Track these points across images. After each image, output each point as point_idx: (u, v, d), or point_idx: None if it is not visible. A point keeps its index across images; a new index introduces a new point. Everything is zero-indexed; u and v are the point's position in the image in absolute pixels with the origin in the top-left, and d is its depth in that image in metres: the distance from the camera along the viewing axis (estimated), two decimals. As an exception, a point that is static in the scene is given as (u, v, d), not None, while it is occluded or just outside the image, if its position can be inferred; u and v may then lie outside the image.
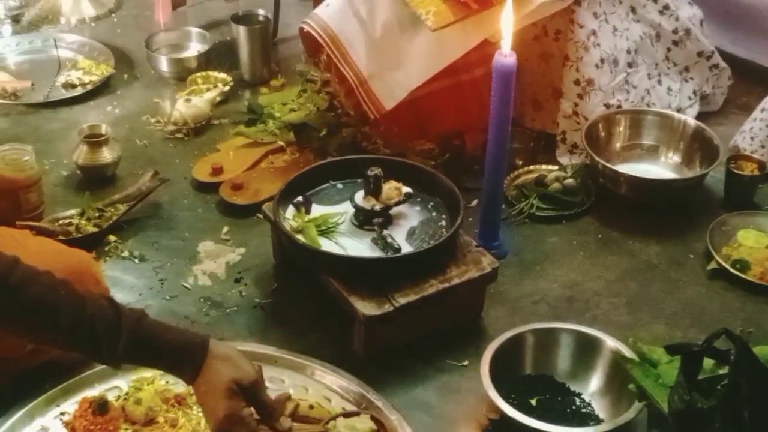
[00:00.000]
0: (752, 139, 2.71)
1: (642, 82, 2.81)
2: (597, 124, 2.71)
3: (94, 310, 1.60)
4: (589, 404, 2.02)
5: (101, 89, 3.10)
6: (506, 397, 1.94)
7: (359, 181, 2.26)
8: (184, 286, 2.35)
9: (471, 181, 2.62)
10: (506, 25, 2.23)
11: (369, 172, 2.21)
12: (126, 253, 2.44)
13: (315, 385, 2.01)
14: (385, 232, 2.19)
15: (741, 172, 2.61)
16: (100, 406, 1.89)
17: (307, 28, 2.63)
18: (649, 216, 2.58)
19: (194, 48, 3.31)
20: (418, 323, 2.13)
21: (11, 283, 1.57)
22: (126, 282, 2.35)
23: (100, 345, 1.59)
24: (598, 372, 2.05)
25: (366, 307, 2.04)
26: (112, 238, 2.47)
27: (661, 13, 2.82)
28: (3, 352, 1.89)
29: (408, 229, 2.24)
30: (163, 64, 3.18)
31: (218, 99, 3.02)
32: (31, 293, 1.58)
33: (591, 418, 1.99)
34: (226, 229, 2.53)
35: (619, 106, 2.76)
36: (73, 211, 2.51)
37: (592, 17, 2.67)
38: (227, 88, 3.07)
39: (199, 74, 3.12)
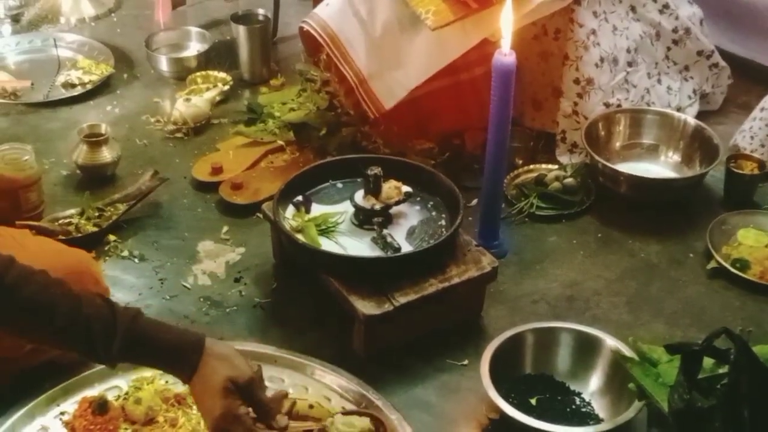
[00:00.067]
0: (752, 138, 2.71)
1: (642, 81, 2.81)
2: (597, 123, 2.71)
3: (90, 309, 1.60)
4: (588, 403, 2.02)
5: (101, 89, 3.10)
6: (506, 397, 1.94)
7: (359, 180, 2.26)
8: (184, 286, 2.35)
9: (471, 180, 2.62)
10: (506, 24, 2.23)
11: (369, 172, 2.21)
12: (126, 253, 2.44)
13: (315, 384, 2.01)
14: (384, 231, 2.19)
15: (741, 171, 2.61)
16: (100, 406, 1.89)
17: (306, 27, 2.63)
18: (649, 215, 2.58)
19: (194, 47, 3.31)
20: (418, 323, 2.13)
21: (6, 283, 1.57)
22: (126, 282, 2.35)
23: (95, 344, 1.59)
24: (597, 371, 2.05)
25: (366, 307, 2.04)
26: (111, 237, 2.47)
27: (660, 12, 2.82)
28: (3, 352, 1.89)
29: (408, 229, 2.24)
30: (163, 64, 3.18)
31: (218, 98, 3.02)
32: (26, 293, 1.58)
33: (591, 418, 1.99)
34: (225, 228, 2.53)
35: (619, 105, 2.76)
36: (72, 211, 2.51)
37: (591, 16, 2.67)
38: (227, 87, 3.07)
39: (198, 74, 3.12)
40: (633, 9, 2.78)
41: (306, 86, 2.92)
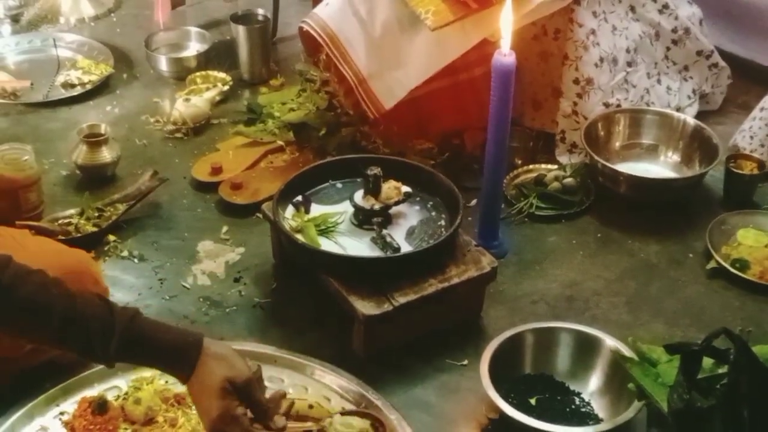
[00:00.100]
0: (752, 138, 2.71)
1: (641, 81, 2.81)
2: (596, 123, 2.71)
3: (87, 308, 1.60)
4: (588, 403, 2.02)
5: (100, 89, 3.10)
6: (506, 397, 1.94)
7: (359, 180, 2.26)
8: (184, 286, 2.35)
9: (470, 180, 2.62)
10: (505, 24, 2.23)
11: (368, 172, 2.21)
12: (125, 253, 2.44)
13: (314, 384, 2.01)
14: (384, 231, 2.19)
15: (740, 171, 2.61)
16: (100, 406, 1.89)
17: (306, 27, 2.63)
18: (648, 215, 2.58)
19: (193, 47, 3.31)
20: (418, 323, 2.13)
21: (3, 282, 1.57)
22: (125, 282, 2.35)
23: (93, 344, 1.59)
24: (597, 371, 2.05)
25: (365, 307, 2.04)
26: (111, 237, 2.47)
27: (660, 12, 2.82)
28: (3, 352, 1.89)
29: (407, 229, 2.24)
30: (163, 64, 3.18)
31: (217, 98, 3.02)
32: (23, 292, 1.58)
33: (590, 418, 1.99)
34: (225, 228, 2.53)
35: (619, 105, 2.76)
36: (72, 211, 2.51)
37: (591, 16, 2.67)
38: (226, 87, 3.07)
39: (198, 74, 3.12)
40: (632, 9, 2.78)
41: (306, 86, 2.92)
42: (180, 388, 1.91)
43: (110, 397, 1.93)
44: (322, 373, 2.02)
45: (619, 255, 2.48)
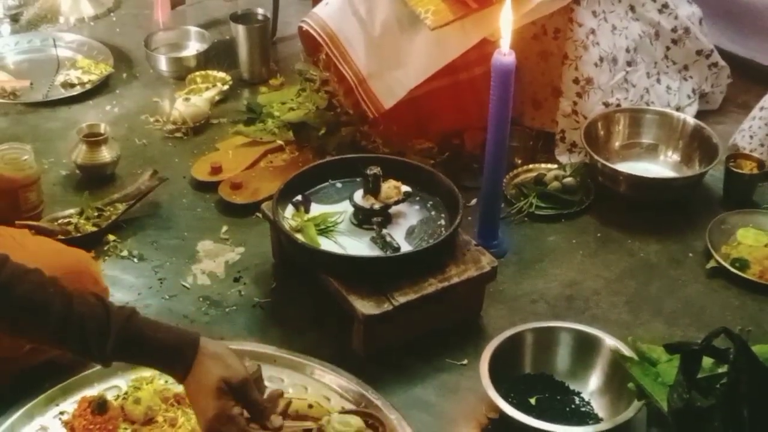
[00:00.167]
0: (751, 137, 2.71)
1: (641, 81, 2.81)
2: (596, 122, 2.71)
3: (84, 308, 1.60)
4: (588, 403, 2.02)
5: (100, 88, 3.10)
6: (505, 396, 1.94)
7: (358, 180, 2.26)
8: (184, 286, 2.35)
9: (470, 180, 2.62)
10: (505, 23, 2.23)
11: (368, 171, 2.21)
12: (125, 253, 2.44)
13: (314, 384, 2.01)
14: (384, 231, 2.19)
15: (740, 171, 2.61)
16: (99, 406, 1.89)
17: (306, 27, 2.63)
18: (648, 215, 2.58)
19: (193, 47, 3.31)
20: (418, 322, 2.13)
21: (0, 281, 1.57)
22: (125, 281, 2.35)
23: (89, 343, 1.59)
24: (597, 371, 2.05)
25: (365, 307, 2.04)
26: (111, 237, 2.47)
27: (660, 11, 2.82)
28: (2, 352, 1.89)
29: (407, 228, 2.24)
30: (162, 63, 3.18)
31: (217, 98, 3.02)
32: (19, 291, 1.58)
33: (590, 417, 1.99)
34: (225, 228, 2.53)
35: (618, 105, 2.76)
36: (72, 211, 2.51)
37: (591, 16, 2.67)
38: (226, 87, 3.07)
39: (198, 73, 3.12)
40: (632, 8, 2.78)
41: (305, 86, 2.92)
42: (180, 388, 1.91)
43: (110, 396, 1.93)
44: (321, 373, 2.02)
45: (619, 254, 2.48)
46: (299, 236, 2.19)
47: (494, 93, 2.24)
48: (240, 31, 3.11)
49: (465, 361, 2.14)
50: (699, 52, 2.91)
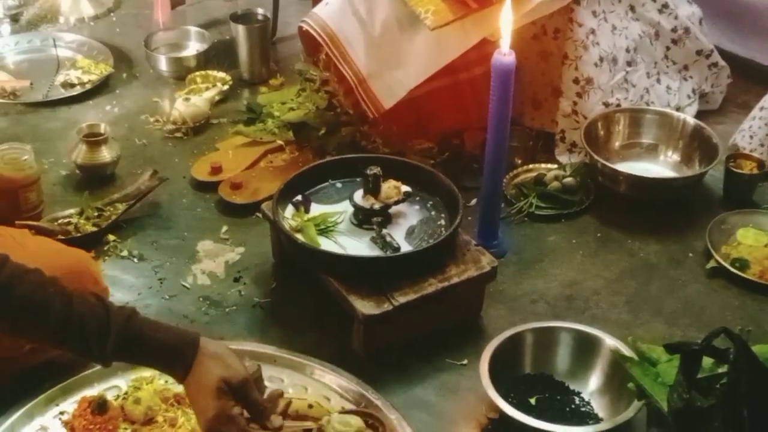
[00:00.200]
0: (751, 137, 2.71)
1: (641, 81, 2.81)
2: (596, 122, 2.71)
3: (83, 308, 1.60)
4: (588, 403, 2.02)
5: (100, 88, 3.10)
6: (505, 396, 1.94)
7: (358, 180, 2.26)
8: (184, 286, 2.35)
9: (470, 180, 2.62)
10: (505, 23, 2.23)
11: (368, 171, 2.21)
12: (125, 253, 2.44)
13: (314, 384, 2.01)
14: (384, 231, 2.19)
15: (740, 171, 2.61)
16: (99, 406, 1.89)
17: (306, 27, 2.63)
18: (648, 215, 2.58)
19: (193, 47, 3.31)
20: (418, 322, 2.13)
21: (0, 281, 1.57)
22: (125, 281, 2.35)
23: (89, 343, 1.59)
24: (597, 371, 2.05)
25: (365, 307, 2.04)
26: (111, 237, 2.47)
27: (660, 11, 2.82)
28: (3, 352, 1.89)
29: (407, 228, 2.24)
30: (162, 63, 3.18)
31: (217, 98, 3.02)
32: (19, 291, 1.58)
33: (590, 417, 1.99)
34: (225, 228, 2.53)
35: (618, 105, 2.76)
36: (72, 211, 2.51)
37: (591, 16, 2.67)
38: (226, 87, 3.07)
39: (198, 73, 3.12)
40: (632, 8, 2.78)
41: (305, 86, 2.92)
42: (180, 388, 1.91)
43: (110, 396, 1.93)
44: (321, 373, 2.02)
45: (619, 254, 2.48)
46: (299, 236, 2.19)
47: (494, 93, 2.24)
48: (240, 31, 3.11)
49: (465, 361, 2.14)
50: (699, 52, 2.91)
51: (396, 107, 2.58)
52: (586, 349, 2.07)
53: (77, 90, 3.07)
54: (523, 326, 2.10)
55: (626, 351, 1.97)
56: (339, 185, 2.36)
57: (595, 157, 2.61)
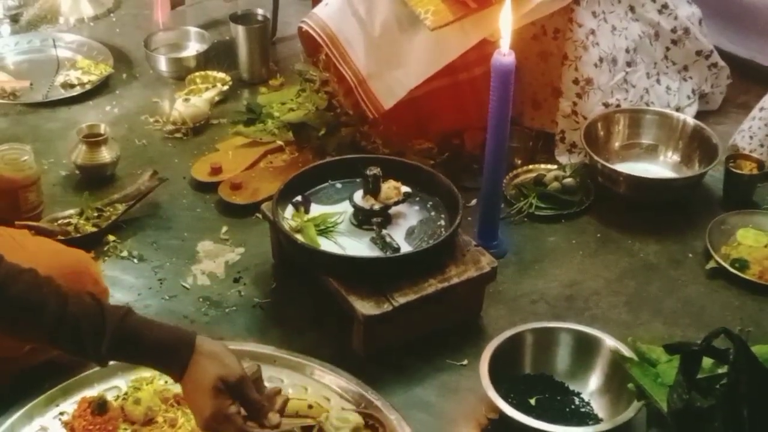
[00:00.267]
0: (751, 138, 2.71)
1: (641, 81, 2.81)
2: (596, 123, 2.71)
3: (78, 308, 1.59)
4: (588, 403, 2.02)
5: (100, 89, 3.10)
6: (505, 397, 1.94)
7: (358, 180, 2.26)
8: (183, 286, 2.35)
9: (470, 180, 2.62)
10: (505, 24, 2.23)
11: (368, 172, 2.21)
12: (125, 253, 2.44)
13: (314, 384, 2.01)
14: (384, 231, 2.19)
15: (740, 171, 2.61)
16: (99, 406, 1.89)
17: (305, 27, 2.63)
18: (648, 215, 2.58)
19: (193, 47, 3.31)
20: (418, 323, 2.13)
21: None
22: (125, 282, 2.35)
23: (84, 343, 1.58)
24: (597, 371, 2.05)
25: (365, 307, 2.04)
26: (111, 237, 2.47)
27: (659, 12, 2.82)
28: (3, 352, 1.89)
29: (407, 229, 2.24)
30: (162, 64, 3.18)
31: (217, 98, 3.02)
32: (14, 291, 1.57)
33: (590, 418, 1.99)
34: (225, 228, 2.53)
35: (618, 105, 2.76)
36: (71, 211, 2.51)
37: (590, 16, 2.67)
38: (226, 87, 3.07)
39: (197, 74, 3.12)
40: (632, 9, 2.78)
41: (305, 86, 2.92)
42: (180, 389, 1.91)
43: (110, 397, 1.93)
44: (321, 373, 2.02)
45: (618, 255, 2.48)
46: (299, 237, 2.19)
47: (494, 93, 2.24)
48: (240, 31, 3.11)
49: (465, 362, 2.14)
50: (699, 53, 2.91)
51: (396, 107, 2.58)
52: (586, 349, 2.07)
53: (77, 90, 3.07)
54: (523, 326, 2.10)
55: (626, 351, 1.97)
56: (339, 186, 2.36)
57: (595, 157, 2.61)
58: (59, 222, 2.47)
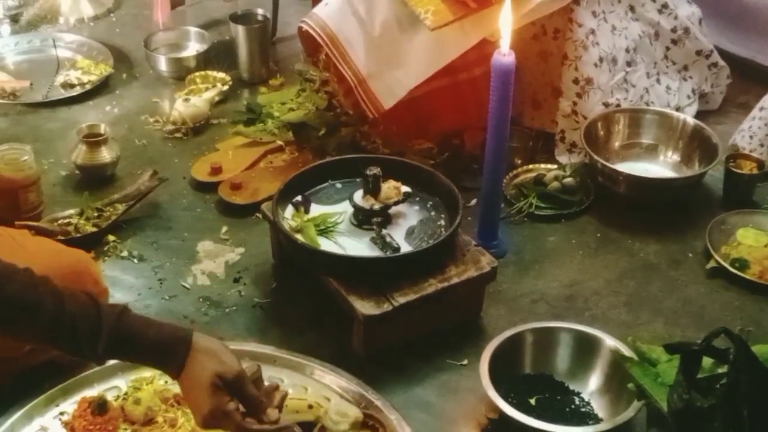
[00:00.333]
0: (751, 137, 2.71)
1: (641, 81, 2.81)
2: (596, 123, 2.71)
3: (74, 306, 1.59)
4: (588, 403, 2.02)
5: (100, 89, 3.10)
6: (505, 397, 1.94)
7: (358, 180, 2.26)
8: (183, 286, 2.35)
9: (470, 180, 2.62)
10: (505, 24, 2.23)
11: (368, 172, 2.21)
12: (125, 253, 2.44)
13: (314, 384, 2.01)
14: (384, 231, 2.19)
15: (740, 171, 2.61)
16: (99, 406, 1.89)
17: (305, 27, 2.63)
18: (648, 215, 2.58)
19: (193, 47, 3.31)
20: (418, 323, 2.13)
21: None
22: (125, 282, 2.35)
23: (80, 342, 1.58)
24: (597, 371, 2.05)
25: (365, 307, 2.04)
26: (111, 237, 2.47)
27: (659, 11, 2.82)
28: (3, 352, 1.89)
29: (407, 229, 2.24)
30: (162, 64, 3.18)
31: (217, 98, 3.02)
32: (9, 290, 1.56)
33: (590, 417, 1.99)
34: (225, 228, 2.53)
35: (618, 105, 2.76)
36: (72, 211, 2.51)
37: (590, 16, 2.67)
38: (226, 87, 3.07)
39: (197, 74, 3.12)
40: (632, 9, 2.78)
41: (305, 86, 2.92)
42: (179, 388, 1.92)
43: (110, 397, 1.93)
44: (321, 373, 2.02)
45: (618, 255, 2.48)
46: (299, 237, 2.19)
47: (494, 93, 2.24)
48: (240, 31, 3.11)
49: (465, 361, 2.14)
50: (699, 53, 2.91)
51: (396, 107, 2.58)
52: (586, 349, 2.07)
53: (77, 90, 3.07)
54: (523, 326, 2.10)
55: (626, 351, 1.97)
56: (339, 186, 2.36)
57: (595, 157, 2.61)
58: (59, 222, 2.47)
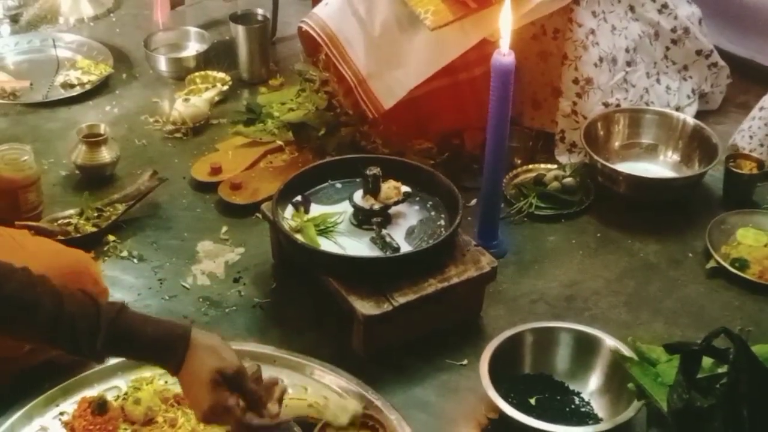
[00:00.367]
0: (751, 137, 2.71)
1: (641, 81, 2.81)
2: (596, 122, 2.71)
3: (73, 305, 1.58)
4: (588, 403, 2.02)
5: (100, 89, 3.10)
6: (505, 396, 1.94)
7: (358, 180, 2.26)
8: (183, 286, 2.35)
9: (470, 180, 2.62)
10: (505, 24, 2.23)
11: (368, 172, 2.21)
12: (125, 253, 2.44)
13: (314, 384, 2.01)
14: (384, 231, 2.19)
15: (740, 171, 2.61)
16: (99, 406, 1.89)
17: (305, 27, 2.63)
18: (648, 215, 2.58)
19: (193, 47, 3.31)
20: (417, 323, 2.13)
21: None
22: (125, 282, 2.35)
23: (79, 340, 1.57)
24: (597, 371, 2.05)
25: (365, 307, 2.04)
26: (110, 237, 2.47)
27: (659, 11, 2.82)
28: (3, 352, 1.89)
29: (407, 229, 2.24)
30: (162, 64, 3.18)
31: (217, 98, 3.02)
32: (7, 290, 1.56)
33: (590, 417, 1.99)
34: (224, 228, 2.53)
35: (618, 105, 2.76)
36: (71, 211, 2.51)
37: (590, 16, 2.67)
38: (226, 87, 3.07)
39: (197, 74, 3.12)
40: (632, 9, 2.78)
41: (305, 86, 2.92)
42: (180, 388, 1.91)
43: (110, 397, 1.93)
44: (321, 373, 2.02)
45: (618, 255, 2.48)
46: (299, 236, 2.19)
47: (494, 93, 2.24)
48: (240, 31, 3.11)
49: (465, 361, 2.14)
50: (699, 52, 2.91)
51: (396, 107, 2.58)
52: (585, 349, 2.07)
53: (77, 90, 3.07)
54: (522, 326, 2.10)
55: (626, 351, 1.97)
56: (339, 186, 2.36)
57: (595, 157, 2.61)
58: (59, 222, 2.47)
